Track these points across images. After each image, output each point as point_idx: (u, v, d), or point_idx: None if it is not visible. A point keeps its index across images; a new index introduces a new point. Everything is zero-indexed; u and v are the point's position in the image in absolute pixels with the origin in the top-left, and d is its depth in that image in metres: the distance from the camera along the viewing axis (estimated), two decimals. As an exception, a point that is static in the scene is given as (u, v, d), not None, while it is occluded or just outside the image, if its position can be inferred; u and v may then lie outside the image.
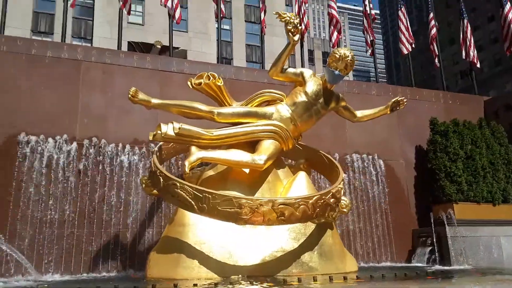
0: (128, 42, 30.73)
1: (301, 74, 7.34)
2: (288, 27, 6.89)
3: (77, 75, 8.91)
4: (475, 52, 14.19)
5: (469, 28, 14.26)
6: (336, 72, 7.16)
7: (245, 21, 36.72)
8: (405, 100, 7.87)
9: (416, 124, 11.52)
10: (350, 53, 7.20)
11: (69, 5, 10.28)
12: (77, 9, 31.23)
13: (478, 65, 14.33)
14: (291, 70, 7.38)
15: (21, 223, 7.88)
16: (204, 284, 5.20)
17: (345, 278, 5.52)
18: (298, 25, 6.97)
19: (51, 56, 8.75)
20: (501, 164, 11.04)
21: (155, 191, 6.54)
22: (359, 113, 7.98)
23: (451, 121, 11.07)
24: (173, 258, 6.13)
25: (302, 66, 12.66)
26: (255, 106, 7.42)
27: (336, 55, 7.15)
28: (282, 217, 5.86)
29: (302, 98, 7.19)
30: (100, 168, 8.53)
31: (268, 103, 7.49)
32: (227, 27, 38.05)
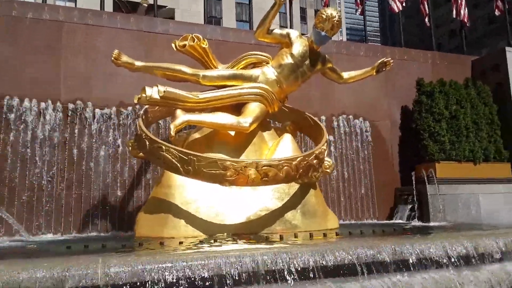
0: (114, 0, 29.77)
1: (287, 35, 7.29)
2: None
3: (59, 37, 8.75)
4: (466, 10, 14.02)
5: (460, -14, 14.01)
6: (323, 33, 7.13)
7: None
8: (392, 61, 7.89)
9: (404, 84, 11.57)
10: (336, 13, 7.14)
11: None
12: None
13: (468, 24, 14.24)
14: (277, 31, 7.32)
15: (9, 187, 8.00)
16: (190, 242, 5.42)
17: (324, 235, 5.79)
18: None
19: (31, 18, 8.55)
20: (485, 123, 11.24)
21: (141, 154, 6.66)
22: (345, 75, 8.01)
23: (438, 81, 11.13)
24: (161, 218, 6.34)
25: (292, 25, 12.48)
26: (241, 69, 7.42)
27: (323, 16, 7.10)
28: (266, 178, 6.04)
29: (288, 60, 7.19)
30: (87, 131, 8.58)
31: (254, 65, 7.48)
32: (218, -15, 36.86)
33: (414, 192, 9.82)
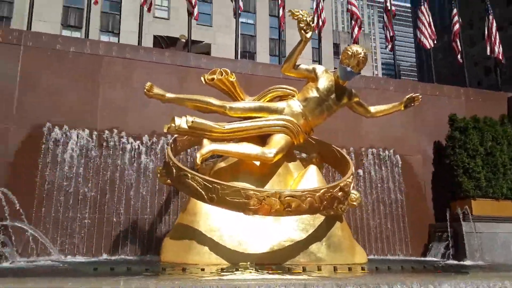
0: (154, 36, 31.41)
1: (313, 70, 7.43)
2: (300, 25, 6.98)
3: (98, 70, 9.35)
4: (501, 48, 13.83)
5: (494, 24, 13.90)
6: (348, 68, 7.22)
7: (269, 15, 36.73)
8: (420, 96, 7.83)
9: (435, 120, 11.38)
10: (362, 50, 7.26)
11: (92, 1, 10.69)
12: (105, 4, 32.16)
13: (504, 61, 13.98)
14: (303, 66, 7.47)
15: (46, 208, 8.40)
16: (213, 269, 5.43)
17: (349, 269, 5.64)
18: (311, 22, 7.05)
19: (74, 51, 9.22)
20: (523, 161, 10.79)
21: (168, 181, 6.85)
22: (372, 109, 8.01)
23: (471, 117, 10.89)
24: (185, 244, 6.43)
25: (321, 60, 12.73)
26: (267, 102, 7.60)
27: (349, 52, 7.22)
28: (289, 209, 6.04)
29: (313, 94, 7.30)
30: (119, 158, 8.95)
31: (280, 98, 7.63)
32: (251, 21, 38.23)
33: (449, 229, 9.43)
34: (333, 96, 7.37)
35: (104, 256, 8.34)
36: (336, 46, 45.51)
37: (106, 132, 9.05)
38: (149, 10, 11.11)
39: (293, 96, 7.52)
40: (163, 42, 31.70)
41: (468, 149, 10.34)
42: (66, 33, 29.89)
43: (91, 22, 10.71)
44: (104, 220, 8.63)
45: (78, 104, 9.16)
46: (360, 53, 7.17)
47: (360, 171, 10.28)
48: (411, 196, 10.58)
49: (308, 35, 7.03)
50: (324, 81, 7.34)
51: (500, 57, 13.76)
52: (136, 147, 9.09)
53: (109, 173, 8.90)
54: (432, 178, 11.04)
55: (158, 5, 33.47)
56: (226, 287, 3.80)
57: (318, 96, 7.28)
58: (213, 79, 7.34)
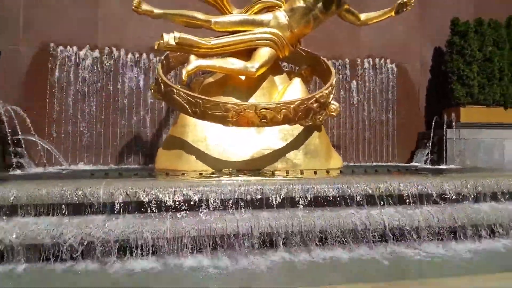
0: None
1: (300, -23, 7.36)
2: None
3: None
4: None
5: None
6: (336, -26, 7.13)
7: None
8: (413, 0, 7.69)
9: (441, 23, 11.02)
10: None
11: None
12: None
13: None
14: None
15: (57, 122, 9.34)
16: (193, 174, 6.27)
17: (315, 173, 6.35)
18: None
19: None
20: (524, 66, 10.61)
21: (159, 96, 7.44)
22: (363, 16, 7.98)
23: (474, 21, 10.52)
24: (176, 153, 7.20)
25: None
26: (254, 13, 7.70)
27: None
28: (264, 120, 6.59)
29: (300, 3, 7.33)
30: (121, 76, 9.56)
31: (268, 10, 7.71)
32: None
33: (431, 135, 9.85)
34: (320, 4, 7.37)
35: (111, 166, 9.39)
36: None
37: (106, 48, 9.54)
38: None
39: (280, 7, 7.59)
40: None
41: (466, 55, 10.22)
42: None
43: None
44: (110, 133, 9.54)
45: (79, 21, 9.55)
46: None
47: (354, 83, 10.51)
48: (405, 106, 10.84)
49: None
50: None
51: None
52: (135, 63, 9.62)
53: (112, 89, 9.59)
54: (428, 86, 11.13)
55: None
56: (188, 186, 4.59)
57: (304, 5, 7.31)
58: (198, -10, 7.44)
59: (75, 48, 9.43)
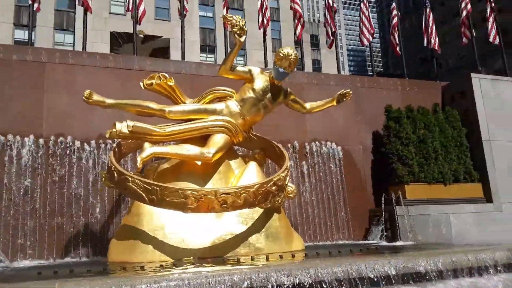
0: (111, 32, 30.95)
1: (249, 71, 7.87)
2: (234, 29, 7.39)
3: (42, 77, 9.44)
4: (437, 39, 14.77)
5: (431, 16, 14.82)
6: (281, 69, 7.71)
7: (228, 7, 36.84)
8: (351, 92, 8.45)
9: (374, 111, 12.14)
10: (293, 52, 7.75)
11: (35, 8, 10.66)
12: (60, 1, 31.36)
13: (439, 52, 14.96)
14: (239, 68, 7.87)
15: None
16: (153, 266, 5.83)
17: (280, 257, 6.18)
18: (244, 27, 7.45)
19: (16, 60, 9.27)
20: (453, 146, 11.74)
21: (112, 184, 7.15)
22: (308, 105, 8.56)
23: (405, 108, 11.71)
24: (130, 244, 6.76)
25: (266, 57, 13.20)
26: (206, 103, 7.99)
27: (280, 54, 7.70)
28: (225, 205, 6.51)
29: (250, 94, 7.76)
30: (67, 163, 9.13)
31: (219, 99, 8.05)
32: (210, 14, 38.28)
33: (383, 213, 10.24)
34: (268, 95, 7.85)
35: (57, 260, 8.54)
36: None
37: (52, 138, 9.19)
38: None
39: (231, 97, 7.95)
40: (120, 39, 31.29)
41: (402, 137, 11.16)
42: (18, 33, 29.05)
43: (45, 20, 10.69)
44: (55, 224, 8.81)
45: (24, 111, 9.23)
46: (291, 55, 7.66)
47: (304, 164, 10.90)
48: (352, 184, 11.31)
49: (242, 39, 7.45)
50: (260, 81, 7.80)
51: (436, 48, 14.73)
52: (82, 151, 9.29)
53: (57, 178, 9.07)
54: (372, 165, 11.83)
55: (114, 1, 32.97)
56: (149, 281, 4.22)
57: (254, 96, 7.74)
58: (151, 84, 7.66)
59: (18, 136, 8.98)
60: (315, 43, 46.44)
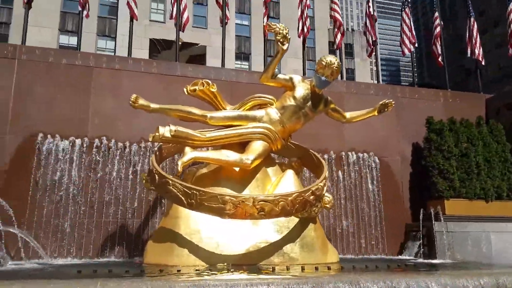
0: (150, 39, 31.86)
1: (291, 79, 7.86)
2: (277, 37, 7.43)
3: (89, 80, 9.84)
4: (481, 50, 14.28)
5: (475, 26, 14.35)
6: (323, 78, 7.65)
7: (269, 16, 37.15)
8: (393, 102, 8.27)
9: (415, 122, 11.83)
10: (336, 60, 7.68)
11: (84, 14, 11.16)
12: (103, 8, 32.63)
13: (483, 63, 14.43)
14: (281, 76, 7.90)
15: (38, 214, 8.87)
16: (189, 271, 5.88)
17: (316, 269, 6.06)
18: (287, 35, 7.48)
19: (66, 63, 9.72)
20: (497, 161, 11.27)
21: (152, 187, 7.31)
22: (348, 115, 8.45)
23: (448, 120, 11.35)
24: (167, 246, 6.87)
25: (305, 68, 13.17)
26: (247, 110, 8.05)
27: (323, 62, 7.65)
28: (262, 212, 6.50)
29: (290, 102, 7.75)
30: (110, 164, 9.43)
31: (260, 106, 8.08)
32: (246, 22, 38.66)
33: (421, 228, 9.92)
34: (309, 103, 7.81)
35: (95, 259, 8.79)
36: (331, 44, 45.88)
37: (96, 140, 9.54)
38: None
39: (272, 104, 7.97)
40: (159, 45, 32.16)
41: (444, 150, 10.81)
42: (63, 38, 30.39)
43: (89, 27, 11.20)
44: (94, 224, 9.10)
45: (70, 113, 9.63)
46: (334, 63, 7.60)
47: (340, 174, 10.75)
48: (389, 197, 11.04)
49: (285, 47, 7.46)
50: (301, 89, 7.78)
51: (480, 59, 14.23)
52: (125, 154, 9.57)
53: (99, 179, 9.38)
54: (410, 178, 11.52)
55: (154, 9, 33.94)
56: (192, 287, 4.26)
57: (295, 104, 7.72)
58: (195, 90, 7.80)
59: (63, 138, 9.37)
60: (349, 52, 45.97)
